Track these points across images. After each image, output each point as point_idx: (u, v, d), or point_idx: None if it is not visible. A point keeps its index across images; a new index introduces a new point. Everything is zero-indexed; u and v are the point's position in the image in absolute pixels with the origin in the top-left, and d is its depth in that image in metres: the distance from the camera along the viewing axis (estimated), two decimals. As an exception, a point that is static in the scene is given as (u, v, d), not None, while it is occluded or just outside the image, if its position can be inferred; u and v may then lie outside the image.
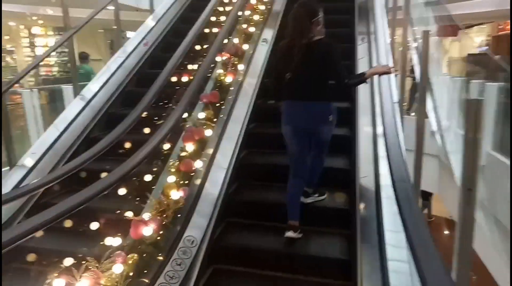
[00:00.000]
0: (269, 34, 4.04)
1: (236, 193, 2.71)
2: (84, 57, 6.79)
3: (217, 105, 2.88)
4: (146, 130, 2.76)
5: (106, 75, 3.70)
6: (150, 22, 4.59)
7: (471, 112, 1.10)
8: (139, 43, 4.20)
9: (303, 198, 2.47)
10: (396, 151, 1.65)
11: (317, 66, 2.23)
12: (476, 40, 13.46)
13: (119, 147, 2.58)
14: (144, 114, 2.38)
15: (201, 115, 2.76)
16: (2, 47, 10.22)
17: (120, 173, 1.51)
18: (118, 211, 1.89)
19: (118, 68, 3.77)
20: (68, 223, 2.06)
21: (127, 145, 2.70)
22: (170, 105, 2.85)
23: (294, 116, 2.32)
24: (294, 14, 2.27)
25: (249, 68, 3.39)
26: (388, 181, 2.10)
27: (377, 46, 2.93)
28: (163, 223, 1.85)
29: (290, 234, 2.22)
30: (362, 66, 3.33)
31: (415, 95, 7.59)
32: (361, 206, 2.22)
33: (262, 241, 2.33)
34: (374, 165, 2.42)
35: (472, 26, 13.17)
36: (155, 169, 2.36)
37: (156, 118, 2.84)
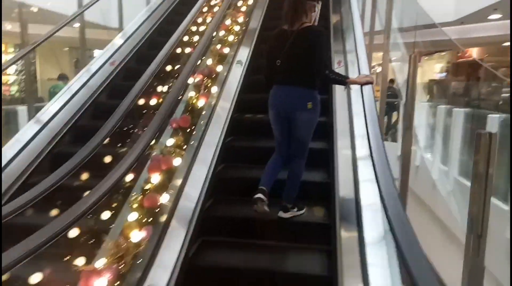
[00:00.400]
0: (244, 54, 3.91)
1: (211, 210, 2.55)
2: (62, 77, 6.87)
3: (188, 130, 2.67)
4: (107, 159, 2.48)
5: (66, 96, 3.40)
6: (118, 40, 4.36)
7: (482, 146, 0.96)
8: (105, 62, 3.94)
9: (282, 213, 2.40)
10: (384, 167, 1.53)
11: (305, 53, 2.28)
12: (437, 66, 14.17)
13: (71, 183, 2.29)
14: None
15: (170, 141, 2.52)
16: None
17: (66, 221, 1.26)
18: (67, 258, 1.60)
19: (80, 88, 3.48)
20: None
21: (83, 176, 2.39)
22: (136, 130, 2.61)
23: (276, 101, 2.36)
24: None
25: (222, 91, 3.21)
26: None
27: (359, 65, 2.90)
28: (120, 272, 1.57)
29: (259, 195, 2.20)
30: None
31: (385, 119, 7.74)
32: (342, 220, 2.14)
33: (239, 259, 2.19)
34: (354, 180, 2.35)
35: (433, 53, 13.86)
36: (114, 204, 2.08)
37: (120, 144, 2.60)
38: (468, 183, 4.77)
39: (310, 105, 2.27)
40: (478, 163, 0.99)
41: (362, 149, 2.51)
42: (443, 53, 13.52)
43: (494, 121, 3.99)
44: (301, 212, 2.44)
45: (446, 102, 7.46)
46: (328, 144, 3.01)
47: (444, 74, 14.15)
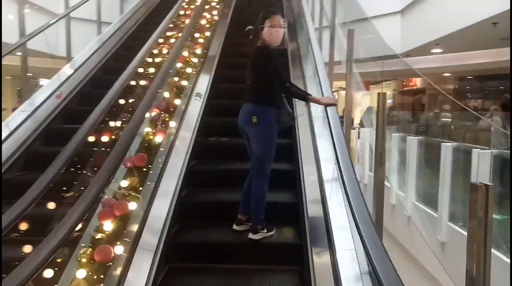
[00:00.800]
0: (203, 86, 3.78)
1: (177, 236, 2.43)
2: None
3: (144, 170, 2.44)
4: (51, 206, 2.17)
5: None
6: (66, 70, 4.05)
7: (479, 198, 0.88)
8: (50, 95, 3.61)
9: (252, 235, 2.40)
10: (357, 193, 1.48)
11: (255, 70, 2.45)
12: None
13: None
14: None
15: (124, 183, 2.28)
16: None
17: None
18: None
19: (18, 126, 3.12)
20: None
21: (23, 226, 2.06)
22: (84, 171, 2.33)
23: (238, 118, 2.49)
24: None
25: (181, 125, 3.03)
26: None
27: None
28: None
29: (234, 227, 2.50)
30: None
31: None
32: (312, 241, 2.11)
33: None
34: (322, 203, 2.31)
35: (380, 81, 14.66)
36: (59, 260, 1.79)
37: (65, 188, 2.31)
38: (425, 208, 4.87)
39: (254, 119, 2.35)
40: (473, 217, 0.90)
41: (327, 172, 2.50)
42: (389, 82, 14.38)
43: (447, 149, 4.15)
44: (271, 233, 2.44)
45: (397, 128, 7.81)
46: (293, 165, 3.03)
47: (391, 101, 15.00)
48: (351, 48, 2.84)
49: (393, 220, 5.44)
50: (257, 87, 2.42)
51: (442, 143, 4.26)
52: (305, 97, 2.52)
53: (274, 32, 2.41)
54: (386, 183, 6.01)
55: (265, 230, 2.42)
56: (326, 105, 2.47)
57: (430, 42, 6.54)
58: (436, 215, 4.43)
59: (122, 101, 3.05)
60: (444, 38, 6.12)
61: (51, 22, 3.90)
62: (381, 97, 1.82)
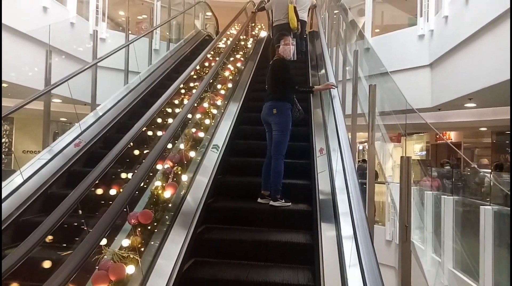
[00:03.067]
0: (221, 138, 3.69)
1: None
2: None
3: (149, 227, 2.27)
4: (46, 264, 2.03)
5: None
6: (89, 119, 4.11)
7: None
8: (70, 143, 3.63)
9: (272, 202, 2.98)
10: None
11: (274, 76, 3.24)
12: (416, 146, 14.47)
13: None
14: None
15: (125, 242, 2.11)
16: None
17: None
18: None
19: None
20: None
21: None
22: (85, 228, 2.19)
23: (262, 113, 3.25)
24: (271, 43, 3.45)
25: (193, 180, 2.89)
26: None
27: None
28: None
29: (259, 200, 3.09)
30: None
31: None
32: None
33: None
34: None
35: (412, 134, 14.26)
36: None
37: (65, 245, 2.17)
38: (464, 277, 4.34)
39: (275, 110, 3.11)
40: None
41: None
42: (421, 134, 13.90)
43: (487, 213, 3.74)
44: (288, 204, 2.97)
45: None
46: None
47: (424, 152, 14.40)
48: (373, 103, 2.70)
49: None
50: (275, 89, 3.18)
51: (481, 206, 3.86)
52: (311, 91, 3.70)
53: (286, 48, 3.27)
54: (420, 245, 5.52)
55: (283, 200, 2.95)
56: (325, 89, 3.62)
57: (463, 96, 6.26)
58: (478, 288, 3.92)
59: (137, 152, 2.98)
60: (478, 93, 5.84)
61: (80, 70, 4.01)
62: (405, 162, 1.57)
